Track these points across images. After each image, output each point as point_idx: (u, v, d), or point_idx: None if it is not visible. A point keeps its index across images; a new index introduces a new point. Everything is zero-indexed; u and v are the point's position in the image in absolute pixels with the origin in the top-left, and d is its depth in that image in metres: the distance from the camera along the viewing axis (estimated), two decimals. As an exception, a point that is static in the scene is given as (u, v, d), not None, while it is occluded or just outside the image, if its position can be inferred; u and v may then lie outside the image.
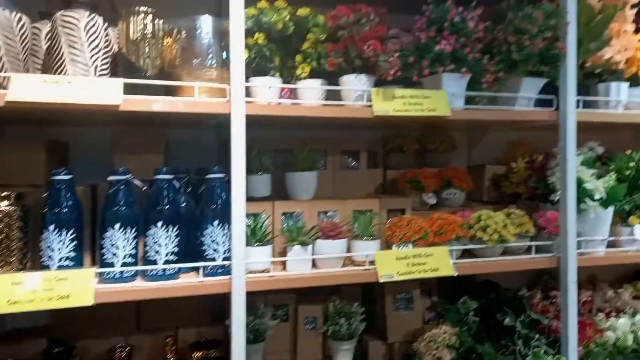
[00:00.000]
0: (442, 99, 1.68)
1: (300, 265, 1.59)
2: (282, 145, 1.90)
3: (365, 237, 1.69)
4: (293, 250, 1.60)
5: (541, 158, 2.11)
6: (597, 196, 1.84)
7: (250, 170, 1.71)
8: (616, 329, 1.91)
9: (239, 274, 1.44)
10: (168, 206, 1.46)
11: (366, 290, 1.99)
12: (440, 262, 1.68)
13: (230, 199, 1.44)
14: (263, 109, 1.53)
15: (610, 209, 1.89)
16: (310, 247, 1.61)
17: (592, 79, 1.96)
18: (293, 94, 1.66)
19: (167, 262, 1.45)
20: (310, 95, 1.62)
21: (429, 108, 1.65)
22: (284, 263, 1.62)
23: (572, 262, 1.80)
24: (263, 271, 1.56)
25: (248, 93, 1.55)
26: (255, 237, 1.57)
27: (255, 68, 1.63)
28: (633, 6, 1.93)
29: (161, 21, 1.43)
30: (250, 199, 1.69)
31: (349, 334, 1.75)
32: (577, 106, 1.81)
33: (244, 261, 1.45)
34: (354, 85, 1.62)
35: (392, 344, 1.89)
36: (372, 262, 1.64)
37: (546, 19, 1.70)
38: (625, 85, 1.93)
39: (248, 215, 1.59)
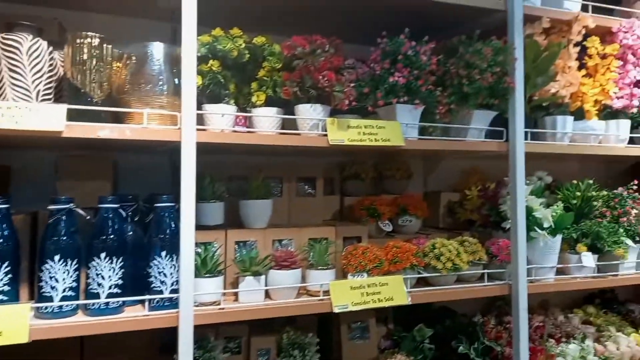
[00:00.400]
0: (396, 129, 1.70)
1: (252, 296, 1.56)
2: (237, 171, 1.88)
3: (320, 267, 1.67)
4: (245, 281, 1.56)
5: (493, 186, 2.17)
6: (545, 225, 1.89)
7: (203, 197, 1.68)
8: (566, 355, 1.95)
9: (186, 307, 1.39)
10: (113, 236, 1.40)
11: (322, 319, 1.96)
12: (395, 291, 1.68)
13: (180, 228, 1.40)
14: (216, 137, 1.50)
15: (559, 237, 1.95)
16: (263, 277, 1.58)
17: (539, 112, 2.03)
18: (248, 121, 1.64)
19: (110, 295, 1.38)
20: (266, 123, 1.61)
21: (383, 138, 1.67)
22: (236, 294, 1.58)
23: (522, 289, 1.83)
24: (213, 303, 1.51)
25: (201, 120, 1.53)
26: (205, 267, 1.52)
27: (209, 95, 1.61)
28: (576, 44, 2.02)
29: (109, 46, 1.39)
30: (202, 227, 1.66)
31: (302, 366, 1.72)
32: (526, 138, 1.87)
33: (192, 294, 1.41)
34: (309, 114, 1.62)
35: (348, 374, 1.87)
36: (326, 292, 1.62)
37: (495, 55, 1.76)
38: (570, 118, 2.01)
39: (199, 245, 1.55)
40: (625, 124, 2.13)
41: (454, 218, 2.31)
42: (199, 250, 1.55)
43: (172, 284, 1.44)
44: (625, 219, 2.06)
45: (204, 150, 1.47)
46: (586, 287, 2.04)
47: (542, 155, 2.00)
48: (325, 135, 1.61)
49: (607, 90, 2.07)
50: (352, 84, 1.68)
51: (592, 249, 2.03)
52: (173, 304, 1.42)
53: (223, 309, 1.49)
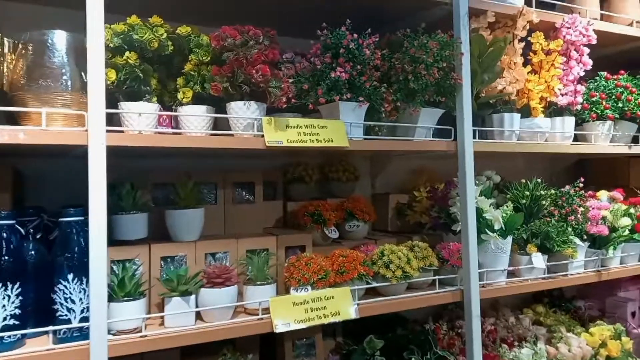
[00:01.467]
0: (340, 128, 1.57)
1: (181, 320, 1.37)
2: (163, 178, 1.68)
3: (259, 282, 1.51)
4: (172, 302, 1.37)
5: (442, 187, 2.08)
6: (496, 226, 1.82)
7: (123, 208, 1.47)
8: (519, 360, 1.89)
9: (98, 337, 1.19)
10: (8, 257, 1.18)
11: (264, 337, 1.79)
12: (342, 305, 1.54)
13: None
14: (133, 140, 1.31)
15: (509, 238, 1.88)
16: (193, 297, 1.40)
17: (486, 110, 1.96)
18: (174, 121, 1.46)
19: (6, 327, 1.16)
20: (194, 123, 1.43)
21: (326, 138, 1.53)
22: (162, 317, 1.39)
23: (475, 295, 1.75)
24: (134, 330, 1.32)
25: (114, 121, 1.33)
26: (123, 289, 1.32)
27: (127, 91, 1.42)
28: (521, 40, 1.97)
29: (-2, 34, 1.17)
30: (122, 242, 1.46)
31: (242, 393, 1.55)
32: (474, 136, 1.79)
33: (106, 321, 1.21)
34: (243, 113, 1.46)
35: (293, 397, 1.71)
36: (266, 310, 1.46)
37: (441, 49, 1.67)
38: (517, 116, 1.96)
39: (116, 263, 1.35)
40: (570, 121, 2.10)
41: (403, 221, 2.21)
42: (116, 269, 1.35)
43: (83, 311, 1.23)
44: (572, 217, 2.03)
45: (124, 154, 1.28)
46: (538, 289, 1.99)
47: (490, 154, 1.93)
48: (262, 136, 1.45)
49: (552, 87, 2.03)
50: (290, 80, 1.54)
51: (542, 249, 1.98)
52: (83, 334, 1.22)
53: (145, 336, 1.30)
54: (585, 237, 2.07)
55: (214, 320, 1.41)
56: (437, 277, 1.77)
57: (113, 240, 1.41)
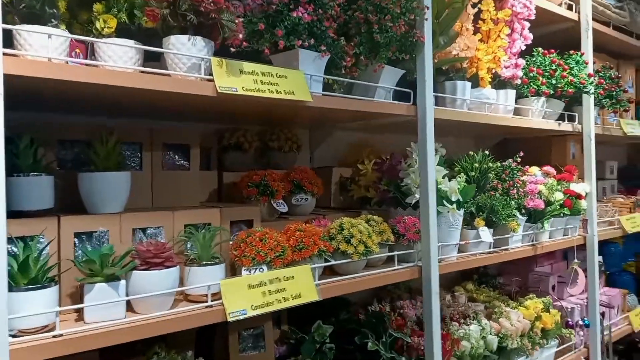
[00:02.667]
0: (300, 80, 1.34)
1: (107, 312, 1.05)
2: (73, 134, 1.31)
3: (205, 262, 1.23)
4: (95, 290, 1.04)
5: (390, 158, 1.94)
6: (453, 198, 1.72)
7: (20, 169, 1.10)
8: (470, 337, 1.82)
9: (-7, 343, 0.84)
10: None
11: (201, 329, 1.51)
12: (303, 286, 1.32)
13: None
14: (38, 69, 0.95)
15: (462, 213, 1.80)
16: (122, 283, 1.08)
17: (439, 76, 1.86)
18: (92, 56, 1.11)
19: None
20: (120, 55, 1.10)
21: (287, 90, 1.29)
22: (79, 310, 1.06)
23: (434, 271, 1.64)
24: (43, 329, 0.97)
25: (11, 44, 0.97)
26: (27, 275, 0.97)
27: (25, 13, 1.05)
28: (474, 5, 1.90)
29: None
30: (19, 214, 1.08)
31: (181, 398, 1.26)
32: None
33: (6, 318, 0.86)
34: (187, 50, 1.16)
35: (237, 398, 1.46)
36: (215, 295, 1.19)
37: (406, 1, 1.51)
38: (469, 84, 1.89)
39: (15, 241, 0.99)
40: (512, 94, 2.09)
41: (346, 196, 2.04)
42: (15, 249, 0.99)
43: (-36, 307, 0.86)
44: (514, 191, 2.02)
45: (19, 102, 0.92)
46: (484, 264, 1.95)
47: (443, 122, 1.82)
48: (210, 80, 1.17)
49: (498, 58, 1.99)
50: (240, 19, 1.27)
51: (487, 223, 1.94)
52: (-34, 339, 0.85)
53: (60, 336, 0.96)
54: (524, 211, 2.08)
55: (151, 311, 1.11)
56: (395, 252, 1.62)
57: (7, 212, 1.04)
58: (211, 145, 1.71)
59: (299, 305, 1.30)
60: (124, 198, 1.23)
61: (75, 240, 1.15)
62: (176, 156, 1.46)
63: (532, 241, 2.16)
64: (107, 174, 1.19)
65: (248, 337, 1.48)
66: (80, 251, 1.14)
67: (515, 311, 2.10)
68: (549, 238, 2.27)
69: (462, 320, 1.96)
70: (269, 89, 1.25)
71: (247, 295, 1.21)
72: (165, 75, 1.14)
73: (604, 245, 2.99)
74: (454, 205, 1.71)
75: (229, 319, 1.16)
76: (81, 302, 1.05)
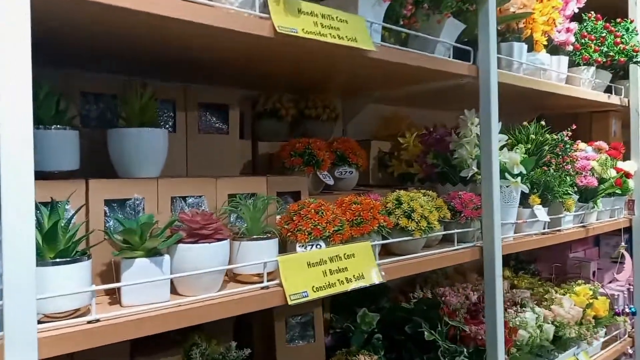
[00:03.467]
0: (362, 27, 1.15)
1: (148, 293, 0.86)
2: (98, 86, 1.11)
3: (256, 236, 1.05)
4: (135, 266, 0.85)
5: (433, 131, 1.76)
6: (516, 171, 1.55)
7: (41, 121, 0.90)
8: (527, 326, 1.66)
9: (21, 328, 0.65)
10: None
11: (240, 317, 1.33)
12: (365, 265, 1.14)
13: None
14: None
15: (525, 186, 1.62)
16: (167, 258, 0.89)
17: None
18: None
19: None
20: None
21: (349, 36, 1.10)
22: (113, 292, 0.87)
23: (498, 251, 1.47)
24: (75, 313, 0.78)
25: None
26: (54, 246, 0.78)
27: None
28: (531, -42, 1.71)
29: None
30: (40, 175, 0.89)
31: (228, 395, 1.08)
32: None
33: (34, 298, 0.67)
34: (239, -19, 0.97)
35: (285, 394, 1.27)
36: (269, 274, 1.01)
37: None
38: (525, 47, 1.70)
39: (38, 207, 0.80)
40: (565, 61, 1.92)
41: (385, 173, 1.86)
42: (39, 216, 0.80)
43: (-21, 285, 0.67)
44: (569, 166, 1.85)
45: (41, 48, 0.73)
46: (540, 245, 1.78)
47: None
48: (267, 18, 0.98)
49: (553, 20, 1.81)
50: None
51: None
52: (-15, 325, 0.67)
53: (97, 321, 0.77)
54: (576, 189, 1.91)
55: (198, 293, 0.92)
56: (455, 230, 1.45)
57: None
58: (244, 111, 1.52)
59: (362, 288, 1.12)
60: (161, 161, 1.04)
61: (106, 208, 0.95)
62: (213, 118, 1.26)
63: (582, 222, 2.00)
64: (144, 130, 0.99)
65: (296, 325, 1.30)
66: (111, 222, 0.95)
67: (567, 298, 1.94)
68: (596, 220, 2.11)
69: (514, 308, 1.79)
70: (330, 34, 1.06)
71: (306, 274, 1.03)
72: (209, 6, 0.94)
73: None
74: (518, 179, 1.54)
75: (290, 302, 0.97)
76: (116, 281, 0.86)
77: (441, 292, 1.84)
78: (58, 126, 0.91)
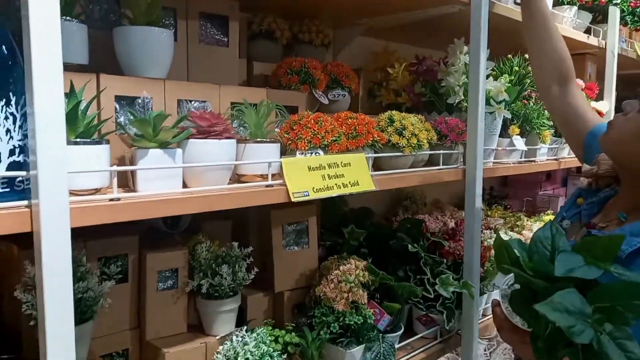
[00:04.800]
0: None
1: (162, 182, 0.91)
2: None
3: (260, 139, 1.10)
4: (149, 156, 0.90)
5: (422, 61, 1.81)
6: (500, 98, 1.63)
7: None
8: (500, 245, 1.79)
9: (54, 195, 0.70)
10: None
11: (238, 224, 1.40)
12: (360, 174, 1.21)
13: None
14: None
15: (502, 117, 1.71)
16: (179, 151, 0.94)
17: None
18: None
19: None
20: None
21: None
22: (124, 177, 0.92)
23: (479, 174, 1.56)
24: (96, 191, 0.83)
25: None
26: (74, 127, 0.82)
27: None
28: None
29: None
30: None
31: (231, 288, 1.16)
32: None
33: (65, 171, 0.71)
34: None
35: (280, 294, 1.37)
36: (273, 176, 1.07)
37: None
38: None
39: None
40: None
41: (374, 103, 1.91)
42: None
43: (13, 153, 0.71)
44: (547, 101, 1.94)
45: None
46: (517, 172, 1.89)
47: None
48: None
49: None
50: None
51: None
52: (19, 191, 0.71)
53: (118, 200, 0.82)
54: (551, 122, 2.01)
55: (208, 185, 0.98)
56: (441, 152, 1.53)
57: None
58: (241, 28, 1.52)
59: (357, 193, 1.19)
60: (167, 62, 1.07)
61: (116, 105, 0.98)
62: (214, 29, 1.28)
63: (555, 155, 2.12)
64: (152, 29, 1.01)
65: (292, 231, 1.38)
66: (122, 118, 0.98)
67: (537, 224, 2.08)
68: (567, 155, 2.24)
69: (488, 231, 1.92)
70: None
71: (307, 177, 1.09)
72: None
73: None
74: (502, 105, 1.62)
75: (293, 199, 1.04)
76: (130, 174, 0.91)
77: (421, 219, 1.96)
78: (68, 17, 0.92)
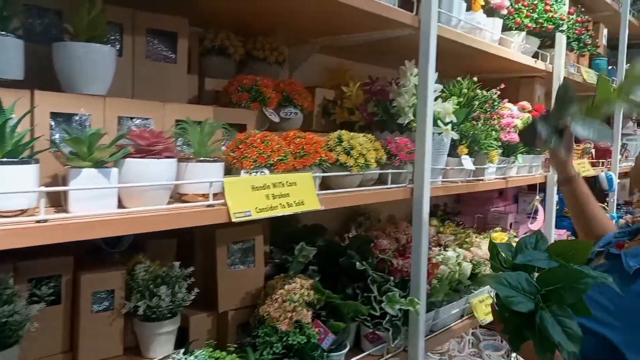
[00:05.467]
0: None
1: (95, 202, 0.89)
2: (43, 1, 1.09)
3: (203, 158, 1.09)
4: (82, 176, 0.88)
5: (379, 80, 1.85)
6: (447, 119, 1.67)
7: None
8: (448, 262, 1.83)
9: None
10: None
11: (183, 242, 1.38)
12: (306, 193, 1.22)
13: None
14: None
15: (450, 137, 1.76)
16: (114, 171, 0.92)
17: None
18: None
19: None
20: None
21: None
22: (57, 196, 0.89)
23: (427, 193, 1.60)
24: (22, 212, 0.81)
25: None
26: (1, 147, 0.79)
27: None
28: None
29: None
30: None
31: (170, 309, 1.14)
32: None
33: (-18, 191, 0.69)
34: None
35: (224, 314, 1.35)
36: (215, 196, 1.07)
37: None
38: (464, 4, 1.81)
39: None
40: (499, 23, 2.05)
41: (328, 120, 1.94)
42: (-17, 115, 0.80)
43: None
44: (495, 122, 2.02)
45: None
46: (464, 191, 1.94)
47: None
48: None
49: (491, -19, 1.93)
50: None
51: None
52: None
53: (45, 221, 0.80)
54: (500, 143, 2.08)
55: (147, 205, 0.96)
56: (390, 171, 1.56)
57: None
58: (191, 47, 1.51)
59: (302, 212, 1.20)
60: (108, 79, 1.05)
61: (51, 122, 0.96)
62: (162, 45, 1.27)
63: (503, 174, 2.19)
64: (93, 45, 0.99)
65: (237, 250, 1.37)
66: (57, 135, 0.96)
67: (485, 240, 2.14)
68: (516, 174, 2.32)
69: (437, 248, 1.96)
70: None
71: (250, 196, 1.09)
72: None
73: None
74: (449, 126, 1.67)
75: (234, 219, 1.04)
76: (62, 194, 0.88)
77: (373, 235, 1.98)
78: (2, 32, 0.89)
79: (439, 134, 1.69)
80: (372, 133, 1.79)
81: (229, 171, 1.19)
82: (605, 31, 3.54)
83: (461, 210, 2.96)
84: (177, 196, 1.09)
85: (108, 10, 1.16)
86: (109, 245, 1.27)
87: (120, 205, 0.96)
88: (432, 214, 2.67)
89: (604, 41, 3.57)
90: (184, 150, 1.14)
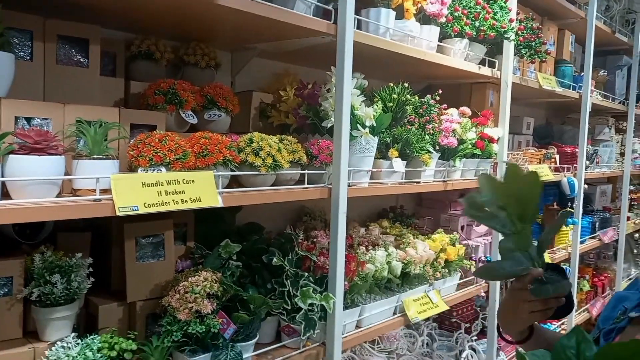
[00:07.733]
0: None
1: (-23, 195, 0.98)
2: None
3: (96, 156, 1.17)
4: (-37, 169, 0.96)
5: (311, 86, 1.92)
6: (367, 123, 1.74)
7: None
8: (375, 261, 1.89)
9: None
10: None
11: (99, 235, 1.47)
12: (204, 191, 1.30)
13: None
14: None
15: (376, 140, 1.83)
16: (-4, 165, 1.01)
17: (364, 3, 1.84)
18: None
19: None
20: None
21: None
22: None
23: (343, 192, 1.66)
24: None
25: None
26: None
27: None
28: None
29: None
30: None
31: (66, 296, 1.22)
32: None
33: None
34: None
35: (133, 304, 1.43)
36: (107, 192, 1.14)
37: None
38: (393, 14, 1.88)
39: None
40: (436, 31, 2.11)
41: (266, 123, 2.01)
42: None
43: None
44: (430, 126, 2.08)
45: None
46: (395, 192, 2.01)
47: (365, 53, 1.81)
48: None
49: (424, -8, 2.00)
50: None
51: (400, 155, 1.98)
52: None
53: None
54: (437, 147, 2.14)
55: (31, 197, 1.04)
56: (306, 171, 1.63)
57: None
58: (117, 51, 1.60)
59: (198, 209, 1.28)
60: (6, 83, 1.14)
61: (-56, 120, 1.05)
62: (73, 50, 1.35)
63: (444, 178, 2.25)
64: (-17, 51, 1.08)
65: (146, 245, 1.45)
66: (-51, 133, 1.04)
67: (422, 242, 2.20)
68: (461, 177, 2.37)
69: (371, 248, 2.02)
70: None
71: (140, 192, 1.17)
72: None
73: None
74: (367, 129, 1.73)
75: (118, 213, 1.12)
76: (-54, 182, 0.97)
77: (314, 235, 2.05)
78: None
79: (361, 136, 1.76)
80: (305, 136, 1.88)
81: (131, 169, 1.27)
82: (572, 38, 3.58)
83: (420, 212, 3.01)
84: (72, 191, 1.17)
85: (18, 17, 1.26)
86: (26, 236, 1.36)
87: (8, 196, 1.04)
88: (384, 215, 2.75)
89: (571, 48, 3.61)
90: (84, 149, 1.22)
